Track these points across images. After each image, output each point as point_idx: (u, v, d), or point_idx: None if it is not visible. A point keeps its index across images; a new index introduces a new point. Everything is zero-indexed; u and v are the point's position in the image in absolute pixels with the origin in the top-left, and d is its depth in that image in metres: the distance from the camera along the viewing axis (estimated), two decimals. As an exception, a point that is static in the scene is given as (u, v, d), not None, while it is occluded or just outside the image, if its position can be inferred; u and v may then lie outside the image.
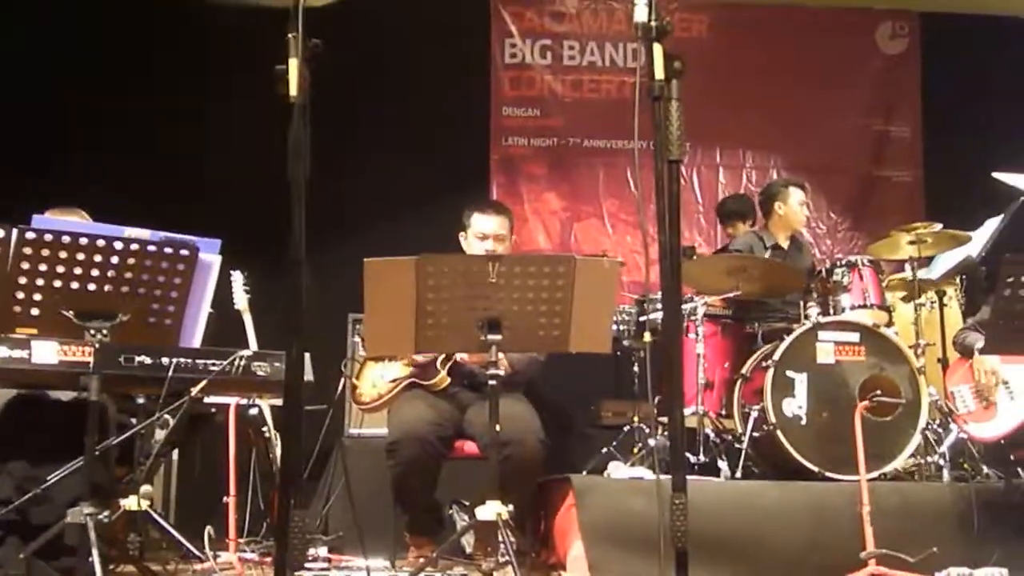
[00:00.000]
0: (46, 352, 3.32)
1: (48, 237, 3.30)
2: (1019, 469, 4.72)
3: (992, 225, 5.85)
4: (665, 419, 5.02)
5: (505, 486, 3.75)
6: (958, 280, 5.89)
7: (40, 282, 3.31)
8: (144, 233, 3.54)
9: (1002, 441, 4.69)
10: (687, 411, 5.05)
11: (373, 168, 7.00)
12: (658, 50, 2.57)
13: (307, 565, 4.27)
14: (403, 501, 4.35)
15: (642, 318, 5.58)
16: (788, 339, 4.86)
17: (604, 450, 5.50)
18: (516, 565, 3.54)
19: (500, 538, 3.60)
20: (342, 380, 4.98)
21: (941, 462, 4.85)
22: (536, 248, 7.59)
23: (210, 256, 3.60)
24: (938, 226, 5.27)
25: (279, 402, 4.42)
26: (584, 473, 5.12)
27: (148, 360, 3.40)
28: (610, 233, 7.77)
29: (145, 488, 3.56)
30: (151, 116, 6.70)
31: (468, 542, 4.45)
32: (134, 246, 3.40)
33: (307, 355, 3.24)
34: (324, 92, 2.60)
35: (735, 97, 7.76)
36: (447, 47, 7.36)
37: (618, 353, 5.88)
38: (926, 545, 3.91)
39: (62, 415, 3.61)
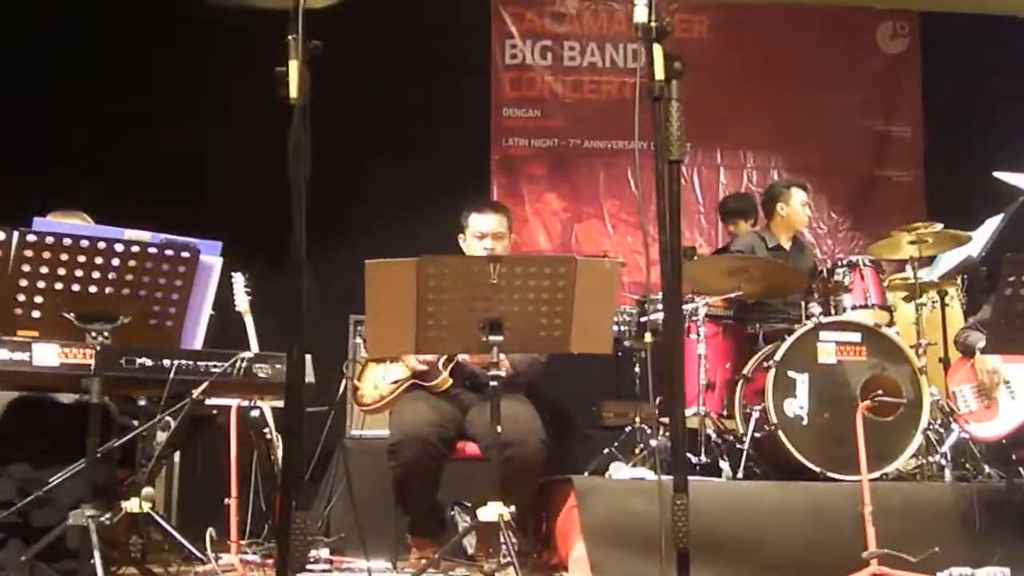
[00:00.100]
0: (47, 354, 3.32)
1: (49, 240, 3.30)
2: (1021, 469, 4.72)
3: (992, 224, 5.85)
4: (666, 420, 5.02)
5: (507, 487, 3.75)
6: (959, 280, 5.89)
7: (41, 284, 3.31)
8: (145, 235, 3.54)
9: (1004, 441, 4.68)
10: (688, 411, 5.04)
11: (374, 169, 7.01)
12: (658, 51, 2.58)
13: (309, 567, 4.26)
14: (405, 502, 4.35)
15: (643, 319, 5.58)
16: (789, 339, 4.86)
17: (605, 451, 5.50)
18: (518, 566, 3.54)
19: (502, 539, 3.61)
20: (343, 381, 4.99)
21: (943, 462, 4.85)
22: (537, 249, 7.58)
23: (211, 258, 3.60)
24: (939, 226, 5.27)
25: (280, 404, 4.42)
26: (586, 474, 5.12)
27: (149, 362, 3.40)
28: (611, 234, 7.77)
29: (147, 490, 3.56)
30: (152, 117, 6.70)
31: (470, 543, 4.45)
32: (135, 248, 3.40)
33: (308, 357, 3.24)
34: (325, 93, 2.60)
35: (735, 97, 7.76)
36: (447, 48, 7.36)
37: (619, 354, 5.88)
38: (928, 545, 3.91)
39: (64, 417, 3.60)
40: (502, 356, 3.85)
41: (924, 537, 4.03)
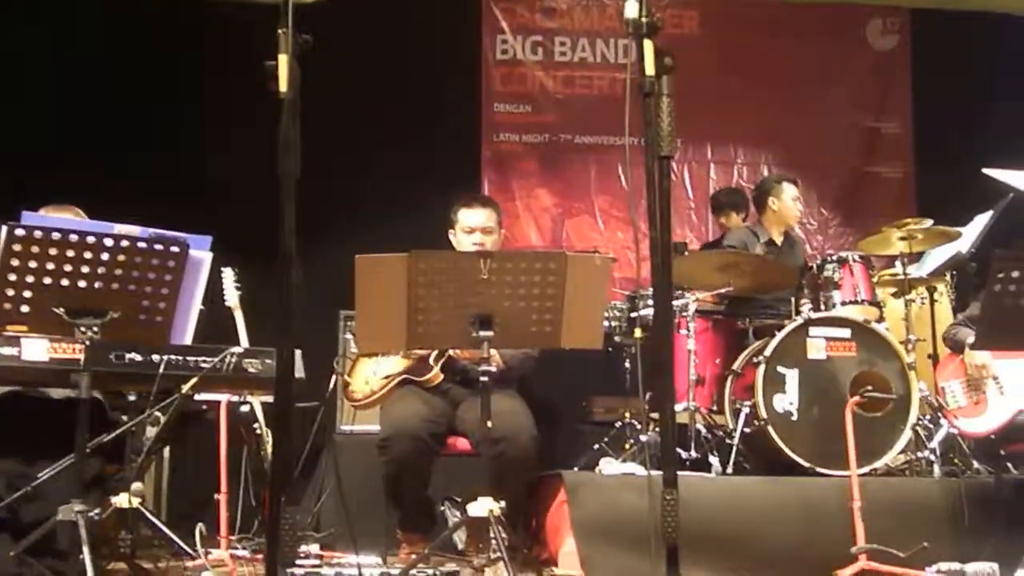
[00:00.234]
0: (36, 349, 3.32)
1: (38, 234, 3.29)
2: (1009, 464, 4.74)
3: (981, 221, 5.86)
4: (656, 415, 5.02)
5: (497, 482, 3.75)
6: (948, 276, 5.91)
7: (30, 279, 3.29)
8: (134, 230, 3.53)
9: (992, 436, 4.69)
10: (678, 407, 5.05)
11: (364, 164, 7.00)
12: (649, 46, 2.58)
13: (299, 562, 4.26)
14: (395, 498, 4.34)
15: (633, 314, 5.58)
16: (779, 335, 4.87)
17: (596, 446, 5.50)
18: (508, 561, 3.55)
19: (492, 534, 3.61)
20: (334, 377, 4.98)
21: (932, 457, 4.86)
22: (528, 244, 7.59)
23: (201, 253, 3.59)
24: (928, 222, 5.28)
25: (270, 399, 4.42)
26: (576, 469, 5.12)
27: (139, 357, 3.40)
28: (601, 229, 7.77)
29: (136, 485, 3.56)
30: (142, 113, 6.68)
31: (460, 538, 4.46)
32: (124, 243, 3.38)
33: (298, 352, 3.24)
34: (315, 88, 2.59)
35: (726, 93, 7.76)
36: (438, 43, 7.35)
37: (609, 349, 5.88)
38: (917, 540, 3.92)
39: (54, 413, 3.60)
40: (493, 351, 3.85)
41: (913, 532, 4.05)
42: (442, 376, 4.42)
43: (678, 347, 5.15)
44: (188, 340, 3.60)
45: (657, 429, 5.03)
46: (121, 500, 3.46)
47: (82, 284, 3.33)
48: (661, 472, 2.54)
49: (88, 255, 3.33)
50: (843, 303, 5.18)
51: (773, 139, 8.00)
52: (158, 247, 3.44)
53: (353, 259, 3.64)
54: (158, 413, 3.52)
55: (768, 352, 4.82)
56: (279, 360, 2.51)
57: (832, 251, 6.54)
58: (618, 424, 5.57)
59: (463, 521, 4.00)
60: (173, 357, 3.42)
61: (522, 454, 4.15)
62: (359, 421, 5.49)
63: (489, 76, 7.81)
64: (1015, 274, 3.82)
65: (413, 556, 4.20)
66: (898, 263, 5.34)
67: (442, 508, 4.68)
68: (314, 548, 4.51)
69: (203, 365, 3.45)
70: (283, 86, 2.45)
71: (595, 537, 4.13)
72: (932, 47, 7.96)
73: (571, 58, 7.93)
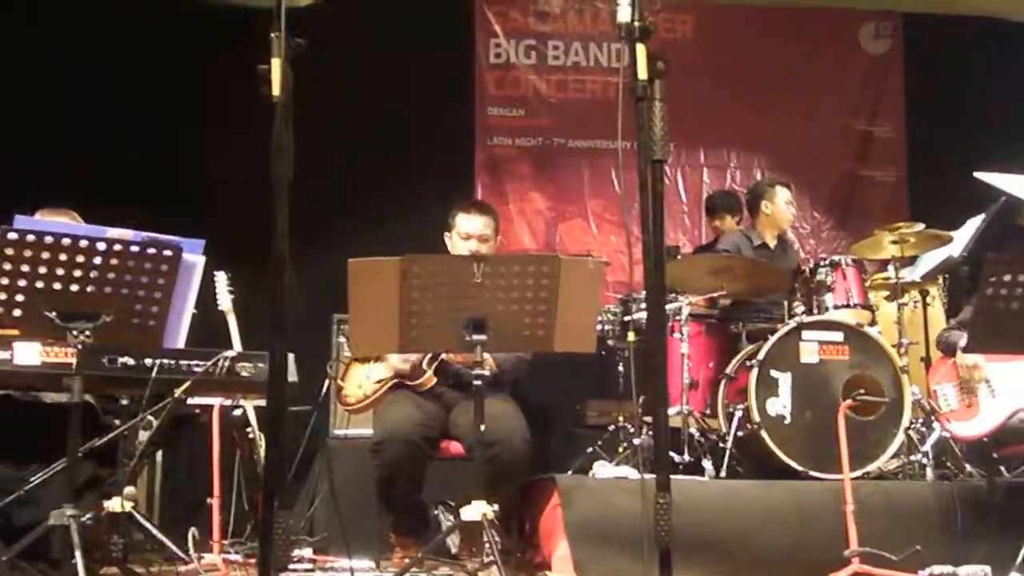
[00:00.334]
0: (29, 353, 3.31)
1: (30, 237, 3.28)
2: (1001, 467, 4.75)
3: (973, 225, 5.87)
4: (650, 418, 5.02)
5: (490, 486, 3.75)
6: (941, 280, 5.92)
7: (22, 283, 3.29)
8: (127, 233, 3.53)
9: (985, 439, 4.70)
10: (672, 411, 5.05)
11: (358, 168, 6.99)
12: (641, 50, 2.58)
13: (292, 566, 4.25)
14: (388, 501, 4.34)
15: (627, 318, 5.58)
16: (772, 339, 4.87)
17: (589, 450, 5.51)
18: (501, 565, 3.54)
19: (485, 538, 3.60)
20: (327, 380, 4.97)
21: (924, 461, 4.86)
22: (521, 248, 7.59)
23: (194, 256, 3.59)
24: (920, 226, 5.29)
25: (263, 403, 4.41)
26: (569, 473, 5.12)
27: (131, 361, 3.40)
28: (595, 233, 7.78)
29: (129, 490, 3.55)
30: (135, 116, 6.67)
31: (453, 542, 4.45)
32: (117, 246, 3.38)
33: (291, 356, 3.24)
34: (308, 92, 2.59)
35: (719, 97, 7.78)
36: (432, 47, 7.35)
37: (603, 353, 5.88)
38: (909, 543, 3.92)
39: (46, 416, 3.59)
40: (486, 355, 3.85)
41: (905, 535, 4.05)
42: (435, 380, 4.42)
43: (671, 351, 5.15)
44: (181, 344, 3.59)
45: (650, 433, 5.04)
46: (113, 504, 3.45)
47: (75, 288, 3.33)
48: (654, 475, 2.54)
49: (81, 259, 3.33)
50: (836, 307, 5.19)
51: (766, 143, 8.02)
52: (151, 251, 3.43)
53: (346, 263, 3.64)
54: (151, 417, 3.51)
55: (761, 356, 4.82)
56: (272, 364, 2.50)
57: (825, 255, 6.54)
58: (611, 428, 5.57)
59: (456, 525, 4.00)
60: (166, 361, 3.41)
61: (515, 458, 4.15)
62: (352, 425, 5.49)
63: (483, 80, 7.82)
64: (1007, 278, 3.83)
65: (406, 560, 4.19)
66: (891, 267, 5.35)
67: (435, 512, 4.67)
68: (307, 552, 4.51)
69: (196, 369, 3.45)
70: (276, 90, 2.45)
71: (588, 541, 4.13)
72: (924, 51, 7.99)
73: (564, 62, 7.94)
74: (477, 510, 3.61)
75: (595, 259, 4.45)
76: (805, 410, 4.80)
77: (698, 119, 7.57)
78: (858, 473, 4.50)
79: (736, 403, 4.96)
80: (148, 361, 3.40)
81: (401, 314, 3.69)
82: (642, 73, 2.56)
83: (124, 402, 3.57)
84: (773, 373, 4.82)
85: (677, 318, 5.19)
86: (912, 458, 4.90)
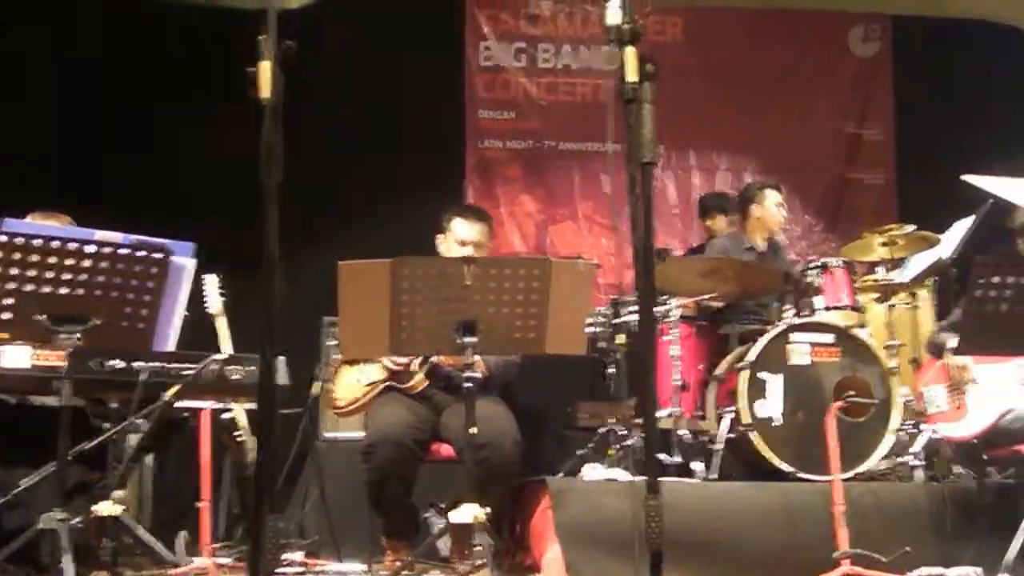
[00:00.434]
0: (18, 357, 3.30)
1: (19, 240, 3.27)
2: (991, 469, 4.76)
3: (962, 227, 5.88)
4: (640, 420, 5.03)
5: (481, 488, 3.75)
6: (930, 282, 5.93)
7: (11, 286, 3.28)
8: (116, 236, 3.52)
9: (974, 441, 4.70)
10: (662, 413, 5.06)
11: (348, 171, 6.98)
12: (631, 53, 2.58)
13: (282, 569, 4.24)
14: (379, 504, 4.33)
15: (617, 320, 5.59)
16: (762, 341, 4.88)
17: (580, 452, 5.51)
18: (492, 567, 3.54)
19: (476, 541, 3.60)
20: (316, 384, 4.97)
21: (914, 462, 4.87)
22: (511, 251, 7.59)
23: (184, 259, 3.58)
24: (910, 228, 5.30)
25: (254, 406, 4.40)
26: (560, 475, 5.12)
27: (121, 364, 3.39)
28: (585, 235, 7.78)
29: (118, 493, 3.53)
30: (124, 119, 6.65)
31: (444, 545, 4.45)
32: (106, 249, 3.37)
33: (282, 358, 3.23)
34: (298, 94, 2.59)
35: (709, 100, 7.80)
36: (422, 49, 7.35)
37: (594, 355, 5.88)
38: (899, 545, 3.93)
39: (35, 420, 3.58)
40: (477, 357, 3.85)
41: (895, 537, 4.06)
42: (426, 382, 4.42)
43: (662, 353, 5.16)
44: (171, 347, 3.59)
45: (642, 434, 5.04)
46: (103, 508, 3.43)
47: (64, 291, 3.32)
48: (645, 477, 2.54)
49: (70, 262, 3.32)
50: (826, 308, 5.20)
51: (756, 145, 8.03)
52: (140, 254, 3.43)
53: (336, 265, 3.63)
54: (140, 420, 3.50)
55: (751, 357, 4.83)
56: (262, 367, 2.49)
57: (815, 257, 6.55)
58: (602, 430, 5.57)
59: (447, 528, 3.99)
60: (155, 364, 3.40)
61: (506, 460, 4.15)
62: (342, 428, 5.48)
63: (473, 83, 7.82)
64: (995, 279, 3.84)
65: (397, 563, 4.19)
66: (880, 269, 5.36)
67: (426, 515, 4.67)
68: (298, 556, 4.49)
69: (186, 372, 3.44)
70: (265, 92, 2.44)
71: (579, 542, 4.13)
72: (913, 54, 8.02)
73: (555, 64, 7.95)
74: (468, 512, 3.61)
75: (586, 261, 4.45)
76: (795, 412, 4.80)
77: (688, 121, 7.59)
78: (848, 474, 4.51)
79: (726, 405, 4.96)
80: (138, 364, 3.39)
81: (391, 317, 3.69)
82: (631, 75, 2.57)
83: (114, 405, 3.55)
84: (763, 375, 4.82)
85: (667, 320, 5.19)
86: (902, 459, 4.92)
